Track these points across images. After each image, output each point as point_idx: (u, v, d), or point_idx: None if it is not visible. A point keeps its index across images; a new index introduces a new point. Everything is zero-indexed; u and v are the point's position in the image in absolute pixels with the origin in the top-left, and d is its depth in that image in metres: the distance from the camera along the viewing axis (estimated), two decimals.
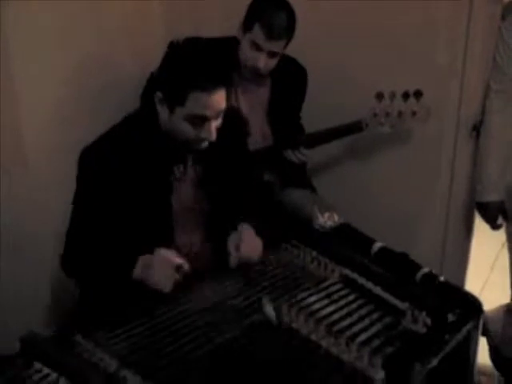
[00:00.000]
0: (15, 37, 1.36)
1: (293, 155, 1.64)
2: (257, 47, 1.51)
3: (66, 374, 0.90)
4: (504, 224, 1.71)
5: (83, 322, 1.05)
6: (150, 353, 0.96)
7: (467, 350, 1.10)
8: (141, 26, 1.70)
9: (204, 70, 1.14)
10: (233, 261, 1.22)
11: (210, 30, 1.60)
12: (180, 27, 1.66)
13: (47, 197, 1.40)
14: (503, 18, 1.58)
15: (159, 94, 1.18)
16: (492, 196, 1.66)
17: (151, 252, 1.16)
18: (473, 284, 1.87)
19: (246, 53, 1.53)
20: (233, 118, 1.33)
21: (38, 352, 0.94)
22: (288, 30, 1.52)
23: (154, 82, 1.23)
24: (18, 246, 1.35)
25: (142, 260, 1.16)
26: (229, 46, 1.56)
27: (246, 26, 1.52)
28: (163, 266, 1.13)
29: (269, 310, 1.03)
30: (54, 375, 0.90)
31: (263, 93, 1.66)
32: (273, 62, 1.55)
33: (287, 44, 1.56)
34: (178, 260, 1.13)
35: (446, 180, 1.76)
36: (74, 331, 0.99)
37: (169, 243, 1.23)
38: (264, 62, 1.53)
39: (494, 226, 1.70)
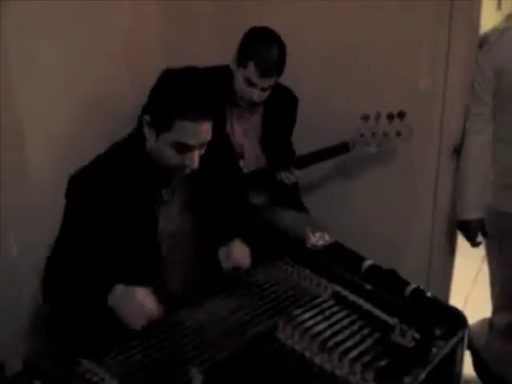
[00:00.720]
0: (16, 45, 1.39)
1: (284, 176, 1.70)
2: (251, 83, 1.59)
3: None
4: (484, 241, 1.79)
5: (84, 342, 1.08)
6: (151, 372, 0.99)
7: (453, 363, 1.16)
8: (140, 52, 1.74)
9: (193, 100, 1.16)
10: (225, 267, 1.28)
11: (207, 57, 1.67)
12: (178, 54, 1.72)
13: (47, 210, 1.42)
14: (480, 46, 1.68)
15: (147, 118, 1.21)
16: (472, 214, 1.73)
17: (137, 278, 1.16)
18: (456, 298, 1.93)
19: (241, 87, 1.61)
20: (222, 142, 1.38)
21: (40, 371, 0.97)
22: (280, 65, 1.60)
23: (145, 106, 1.26)
24: (17, 260, 1.36)
25: (119, 290, 1.15)
26: (224, 74, 1.64)
27: (240, 61, 1.60)
28: (136, 308, 1.12)
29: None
30: None
31: (256, 119, 1.73)
32: (266, 94, 1.64)
33: (279, 76, 1.64)
34: (151, 309, 1.12)
35: (429, 199, 1.83)
36: (76, 351, 1.02)
37: (155, 269, 1.27)
38: (258, 96, 1.62)
39: (474, 244, 1.77)
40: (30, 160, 1.46)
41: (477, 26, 1.73)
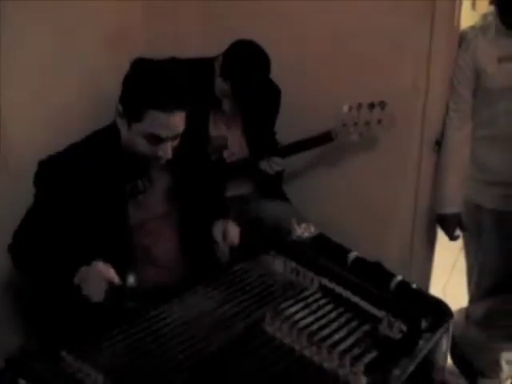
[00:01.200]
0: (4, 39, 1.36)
1: (267, 165, 1.69)
2: (227, 96, 1.61)
3: None
4: (461, 235, 1.82)
5: (67, 337, 1.04)
6: (137, 367, 0.97)
7: (437, 354, 1.18)
8: (125, 46, 1.71)
9: (165, 90, 1.15)
10: (224, 248, 1.30)
11: (190, 49, 1.65)
12: (162, 46, 1.67)
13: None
14: (459, 44, 1.70)
15: (119, 107, 1.20)
16: (450, 208, 1.76)
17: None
18: (433, 289, 1.97)
19: (219, 92, 1.62)
20: (199, 136, 1.38)
21: (24, 368, 0.93)
22: (259, 86, 1.59)
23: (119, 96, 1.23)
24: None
25: (81, 270, 1.15)
26: (206, 67, 1.62)
27: (222, 73, 1.58)
28: (94, 277, 1.13)
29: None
30: None
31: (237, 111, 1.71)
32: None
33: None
34: (111, 274, 1.13)
35: (411, 191, 1.85)
36: (59, 346, 0.99)
37: (127, 254, 1.25)
38: (230, 107, 1.65)
39: (452, 237, 1.80)
40: (13, 151, 1.43)
41: (458, 24, 1.75)
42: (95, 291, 1.12)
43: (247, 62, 1.56)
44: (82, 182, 1.21)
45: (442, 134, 1.77)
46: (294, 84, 1.79)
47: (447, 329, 1.15)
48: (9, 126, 1.42)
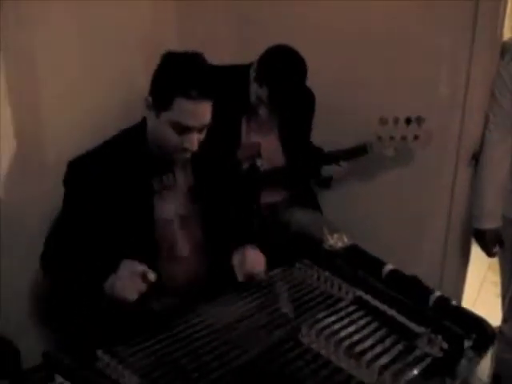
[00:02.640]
0: (39, 37, 1.38)
1: (332, 169, 1.70)
2: (263, 102, 1.58)
3: None
4: (499, 251, 1.77)
5: (104, 337, 1.04)
6: (172, 370, 0.96)
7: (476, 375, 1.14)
8: (157, 46, 1.71)
9: (193, 78, 1.17)
10: (239, 276, 1.25)
11: (223, 51, 1.66)
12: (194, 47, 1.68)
13: None
14: (501, 55, 1.66)
15: (149, 99, 1.22)
16: (489, 224, 1.72)
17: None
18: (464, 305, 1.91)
19: (253, 98, 1.60)
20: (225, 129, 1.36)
21: (60, 366, 0.93)
22: (295, 92, 1.56)
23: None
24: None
25: (112, 276, 1.13)
26: (241, 74, 1.61)
27: (257, 78, 1.57)
28: (126, 274, 1.11)
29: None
30: None
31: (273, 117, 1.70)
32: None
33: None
34: (142, 267, 1.11)
35: (445, 205, 1.82)
36: (96, 346, 0.98)
37: (152, 252, 1.25)
38: (266, 114, 1.61)
39: (491, 254, 1.75)
40: (50, 149, 1.44)
41: (500, 34, 1.72)
42: (128, 289, 1.10)
43: (284, 67, 1.53)
44: (109, 180, 1.22)
45: (479, 148, 1.73)
46: (329, 94, 1.76)
47: (489, 351, 1.11)
48: (46, 124, 1.44)
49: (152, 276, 1.10)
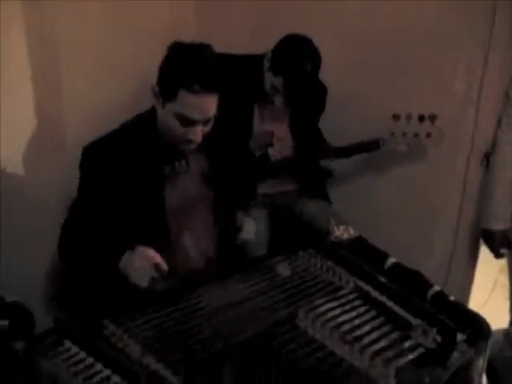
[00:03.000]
0: (65, 31, 1.45)
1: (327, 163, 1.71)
2: (277, 91, 1.60)
3: (94, 353, 0.95)
4: (507, 253, 1.77)
5: (111, 308, 1.09)
6: (173, 342, 1.01)
7: (474, 373, 1.15)
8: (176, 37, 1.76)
9: (193, 71, 1.17)
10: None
11: (240, 44, 1.67)
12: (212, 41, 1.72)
13: None
14: None
15: (155, 88, 1.23)
16: (498, 224, 1.71)
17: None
18: (472, 307, 1.91)
19: (268, 88, 1.62)
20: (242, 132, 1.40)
21: (69, 332, 0.99)
22: (308, 81, 1.58)
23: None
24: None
25: (127, 255, 1.18)
26: (255, 63, 1.64)
27: (272, 67, 1.59)
28: (141, 262, 1.15)
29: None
30: (83, 353, 0.95)
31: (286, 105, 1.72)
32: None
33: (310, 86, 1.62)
34: (157, 258, 1.16)
35: (456, 204, 1.82)
36: (103, 315, 1.04)
37: (163, 236, 1.29)
38: (281, 103, 1.63)
39: (498, 255, 1.75)
40: (70, 137, 1.51)
41: None
42: (142, 276, 1.15)
43: (299, 56, 1.56)
44: (123, 165, 1.26)
45: (492, 147, 1.73)
46: (343, 88, 1.78)
47: (485, 346, 1.12)
48: (67, 113, 1.51)
49: (164, 268, 1.15)
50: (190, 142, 1.24)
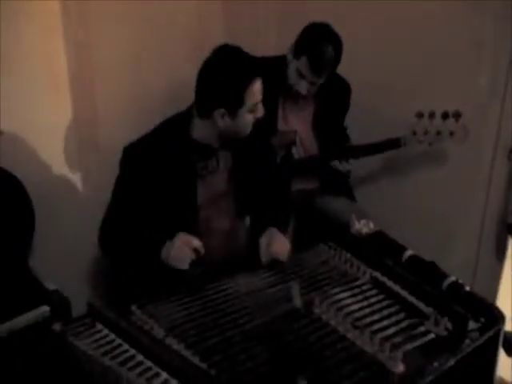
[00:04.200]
0: (97, 39, 1.56)
1: (339, 164, 1.74)
2: (301, 75, 1.64)
3: (122, 335, 1.04)
4: None
5: (139, 294, 1.19)
6: (193, 327, 1.09)
7: (487, 359, 1.17)
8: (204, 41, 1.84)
9: (247, 66, 1.30)
10: (264, 257, 1.35)
11: (266, 40, 1.73)
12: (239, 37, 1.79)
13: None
14: None
15: (221, 110, 1.31)
16: None
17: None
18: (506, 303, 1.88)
19: (292, 77, 1.66)
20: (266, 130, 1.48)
21: (101, 315, 1.09)
22: (332, 65, 1.62)
23: (207, 104, 1.34)
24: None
25: (168, 243, 1.28)
26: (279, 63, 1.69)
27: (295, 53, 1.65)
28: (181, 245, 1.27)
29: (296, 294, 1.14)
30: (113, 335, 1.04)
31: (309, 104, 1.77)
32: (315, 88, 1.68)
33: (332, 72, 1.66)
34: (196, 242, 1.27)
35: (481, 199, 1.81)
36: (131, 301, 1.14)
37: (193, 230, 1.35)
38: (306, 89, 1.66)
39: None
40: (103, 136, 1.63)
41: None
42: (182, 258, 1.26)
43: (320, 34, 1.61)
44: (159, 164, 1.35)
45: None
46: (368, 86, 1.81)
47: (497, 334, 1.13)
48: (101, 114, 1.62)
49: (203, 250, 1.27)
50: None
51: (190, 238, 1.27)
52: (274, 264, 1.34)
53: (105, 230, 1.40)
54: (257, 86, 1.31)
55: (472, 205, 1.83)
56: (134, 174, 1.36)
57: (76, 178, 1.63)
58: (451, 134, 1.68)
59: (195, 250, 1.27)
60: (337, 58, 1.63)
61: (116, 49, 1.62)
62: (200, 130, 1.37)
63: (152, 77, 1.71)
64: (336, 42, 1.62)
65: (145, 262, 1.33)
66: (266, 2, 1.96)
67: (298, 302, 1.16)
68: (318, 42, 1.60)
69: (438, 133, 1.69)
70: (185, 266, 1.26)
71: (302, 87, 1.65)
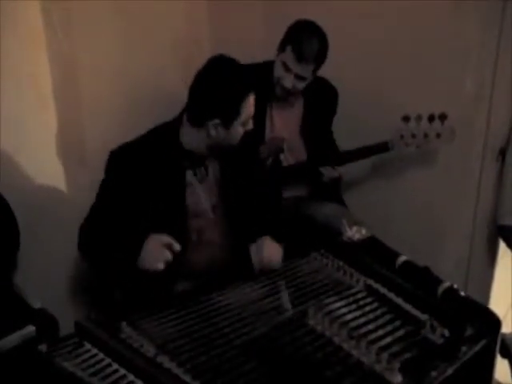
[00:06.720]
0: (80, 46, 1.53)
1: (327, 171, 1.72)
2: (286, 68, 1.62)
3: (111, 355, 1.00)
4: None
5: (128, 311, 1.15)
6: (185, 344, 1.05)
7: (485, 366, 1.15)
8: (190, 47, 1.82)
9: (242, 80, 1.29)
10: (256, 266, 1.33)
11: (253, 49, 1.72)
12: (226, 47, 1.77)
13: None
14: None
15: (216, 121, 1.29)
16: None
17: None
18: (498, 307, 1.87)
19: (277, 71, 1.65)
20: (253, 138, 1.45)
21: (89, 335, 1.05)
22: (317, 56, 1.61)
23: (201, 114, 1.32)
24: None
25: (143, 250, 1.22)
26: (266, 69, 1.68)
27: (281, 46, 1.64)
28: (153, 245, 1.21)
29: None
30: (102, 355, 1.01)
31: (296, 110, 1.75)
32: (301, 85, 1.65)
33: (317, 69, 1.65)
34: (167, 239, 1.20)
35: (471, 201, 1.80)
36: (120, 318, 1.10)
37: (182, 240, 1.30)
38: (292, 83, 1.63)
39: None
40: (88, 145, 1.60)
41: None
42: (153, 258, 1.19)
43: (305, 25, 1.61)
44: (146, 170, 1.32)
45: (507, 142, 1.71)
46: (354, 90, 1.80)
47: (495, 339, 1.12)
48: (86, 122, 1.59)
49: (177, 246, 1.20)
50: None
51: (161, 236, 1.21)
52: (267, 271, 1.31)
53: (85, 231, 1.35)
54: (252, 100, 1.32)
55: (463, 207, 1.82)
56: (120, 178, 1.32)
57: (62, 194, 1.60)
58: (438, 135, 1.68)
59: (170, 249, 1.19)
60: (322, 53, 1.61)
61: (101, 60, 1.59)
62: (190, 137, 1.34)
63: (139, 88, 1.68)
64: (321, 36, 1.61)
65: (121, 268, 1.28)
66: (252, 3, 1.95)
67: (286, 303, 1.13)
68: (303, 33, 1.60)
69: (426, 135, 1.69)
70: (159, 265, 1.18)
71: (287, 81, 1.62)
